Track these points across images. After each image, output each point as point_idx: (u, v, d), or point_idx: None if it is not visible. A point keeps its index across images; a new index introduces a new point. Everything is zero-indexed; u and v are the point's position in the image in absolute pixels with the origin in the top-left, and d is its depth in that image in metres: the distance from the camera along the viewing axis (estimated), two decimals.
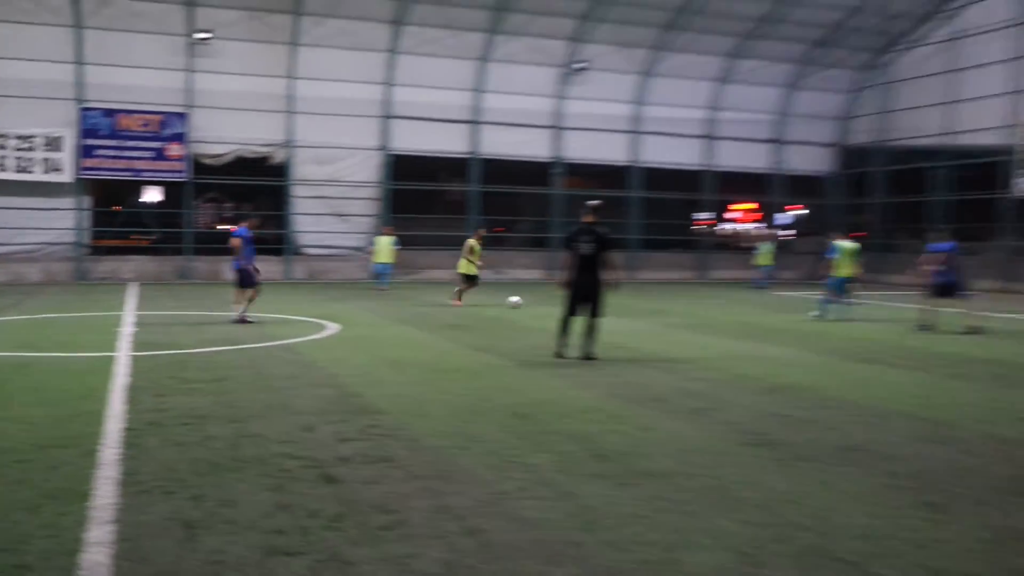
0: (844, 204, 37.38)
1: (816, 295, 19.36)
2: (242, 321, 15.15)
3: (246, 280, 15.51)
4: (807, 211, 39.41)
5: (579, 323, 11.53)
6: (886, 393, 9.31)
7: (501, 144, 32.14)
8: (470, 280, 20.50)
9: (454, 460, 6.27)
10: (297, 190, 30.04)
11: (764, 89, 35.24)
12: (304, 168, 30.06)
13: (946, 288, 15.81)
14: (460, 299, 20.08)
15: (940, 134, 32.14)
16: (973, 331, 15.17)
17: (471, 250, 20.79)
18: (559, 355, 11.45)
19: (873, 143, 35.52)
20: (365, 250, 28.55)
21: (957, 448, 6.84)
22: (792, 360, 11.83)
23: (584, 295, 11.39)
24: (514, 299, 18.89)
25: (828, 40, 33.76)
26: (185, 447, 6.51)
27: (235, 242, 15.63)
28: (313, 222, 30.25)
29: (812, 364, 11.51)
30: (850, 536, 4.75)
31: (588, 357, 11.35)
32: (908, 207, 34.17)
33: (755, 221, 44.22)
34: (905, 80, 34.23)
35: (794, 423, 7.68)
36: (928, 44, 33.11)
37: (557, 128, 32.94)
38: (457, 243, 32.62)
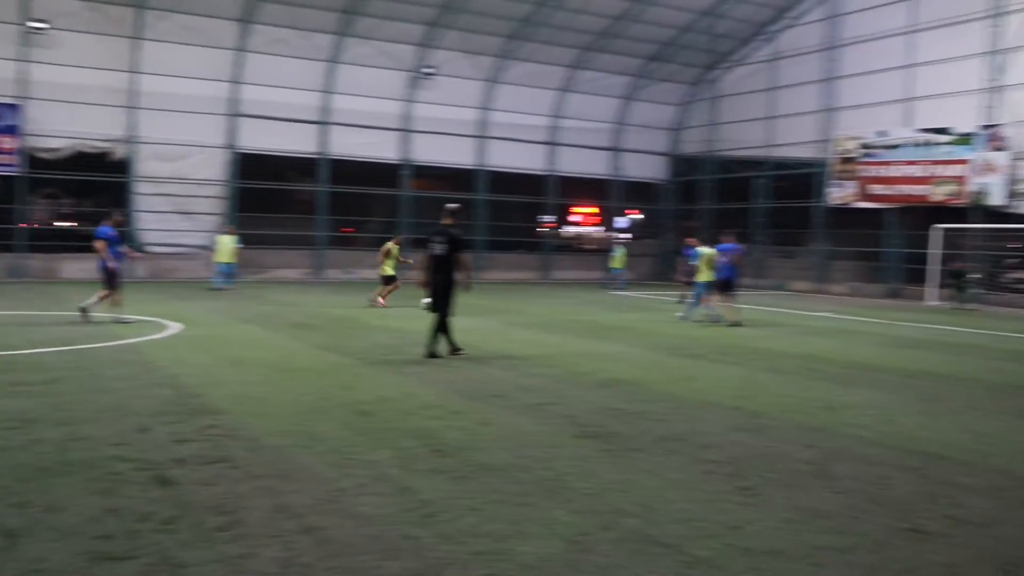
0: (676, 209, 39.26)
1: (654, 295, 20.21)
2: (84, 314, 14.61)
3: (113, 280, 14.89)
4: (642, 216, 41.03)
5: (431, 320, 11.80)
6: (708, 387, 9.92)
7: (350, 145, 31.89)
8: (390, 280, 20.63)
9: (294, 459, 6.26)
10: (140, 187, 28.72)
11: (603, 99, 36.62)
12: (147, 165, 28.78)
13: (727, 283, 17.80)
14: (384, 300, 20.16)
15: (762, 146, 34.29)
16: (735, 324, 17.19)
17: (388, 252, 20.98)
18: (452, 351, 11.76)
19: (702, 153, 37.45)
20: (208, 249, 27.65)
21: (768, 436, 7.39)
22: (625, 356, 12.35)
23: (436, 294, 11.68)
24: (427, 300, 18.66)
25: (661, 56, 35.40)
26: (9, 452, 6.21)
27: (99, 244, 14.94)
28: (157, 220, 29.03)
29: (643, 360, 12.06)
30: (671, 520, 5.09)
31: (433, 355, 11.57)
32: (734, 213, 36.12)
33: (595, 224, 45.64)
34: (730, 95, 36.33)
35: (625, 416, 8.07)
36: (751, 63, 35.29)
37: (406, 131, 33.00)
38: (306, 243, 32.34)
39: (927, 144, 27.96)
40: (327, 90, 31.12)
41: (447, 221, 11.78)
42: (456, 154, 34.19)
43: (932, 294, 26.45)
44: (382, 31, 30.65)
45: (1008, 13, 26.26)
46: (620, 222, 39.37)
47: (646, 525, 4.99)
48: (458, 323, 15.70)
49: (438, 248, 11.63)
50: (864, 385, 10.36)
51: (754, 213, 34.67)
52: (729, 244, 18.16)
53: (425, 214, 36.03)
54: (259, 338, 13.58)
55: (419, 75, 32.33)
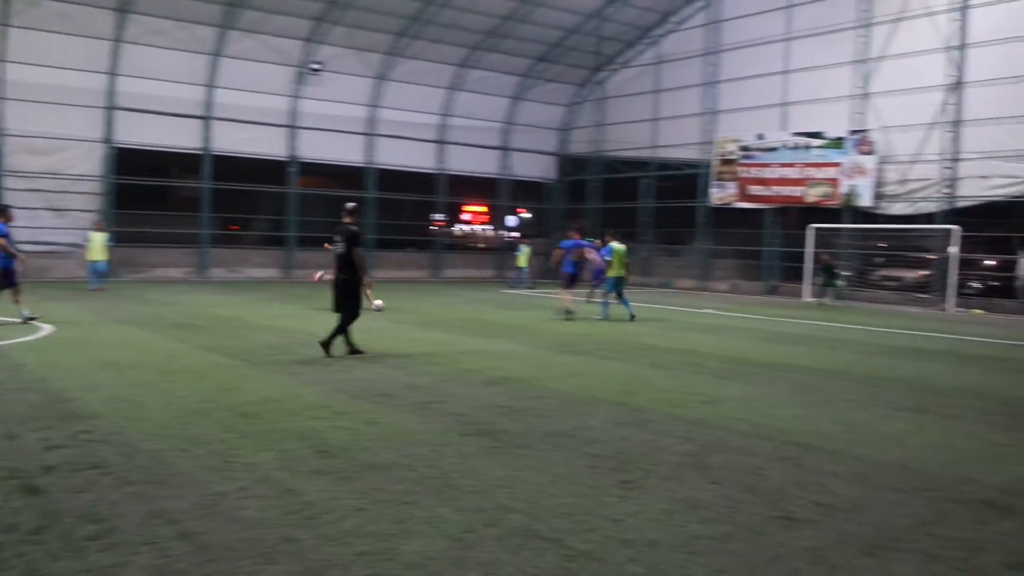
0: (564, 209, 39.80)
1: (545, 294, 20.42)
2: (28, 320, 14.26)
3: (7, 280, 14.25)
4: (531, 215, 41.45)
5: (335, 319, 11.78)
6: (594, 383, 10.09)
7: (235, 141, 31.11)
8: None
9: (172, 463, 6.08)
10: (8, 182, 27.23)
11: (492, 98, 36.83)
12: (17, 159, 27.31)
13: (573, 278, 18.63)
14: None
15: (647, 147, 35.12)
16: (568, 315, 18.24)
17: None
18: (351, 351, 11.71)
19: (589, 153, 38.09)
20: (82, 247, 26.48)
21: (651, 430, 7.57)
22: (513, 354, 12.45)
23: (340, 294, 11.62)
24: (378, 303, 18.24)
25: (549, 56, 35.83)
26: None
27: (1, 241, 14.21)
28: (27, 217, 27.55)
29: (531, 357, 12.17)
30: (554, 515, 5.16)
31: (326, 352, 11.54)
32: (621, 212, 36.89)
33: (485, 223, 45.86)
34: (617, 97, 37.09)
35: (511, 413, 8.14)
36: (636, 66, 36.09)
37: (293, 127, 32.36)
38: (190, 241, 31.36)
39: (802, 147, 29.12)
40: (210, 84, 30.26)
41: (346, 220, 11.69)
42: (345, 151, 33.80)
43: (808, 291, 27.58)
44: (268, 25, 30.03)
45: (874, 24, 27.62)
46: (510, 221, 39.66)
47: (530, 520, 5.05)
48: None
49: (338, 247, 11.58)
50: (743, 379, 10.73)
51: (640, 213, 35.45)
52: (575, 240, 19.08)
53: (313, 212, 35.50)
54: (137, 339, 13.11)
55: (306, 71, 31.81)
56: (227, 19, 29.22)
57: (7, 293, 14.46)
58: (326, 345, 11.54)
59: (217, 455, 6.33)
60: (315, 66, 31.69)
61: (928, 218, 26.08)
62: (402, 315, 18.25)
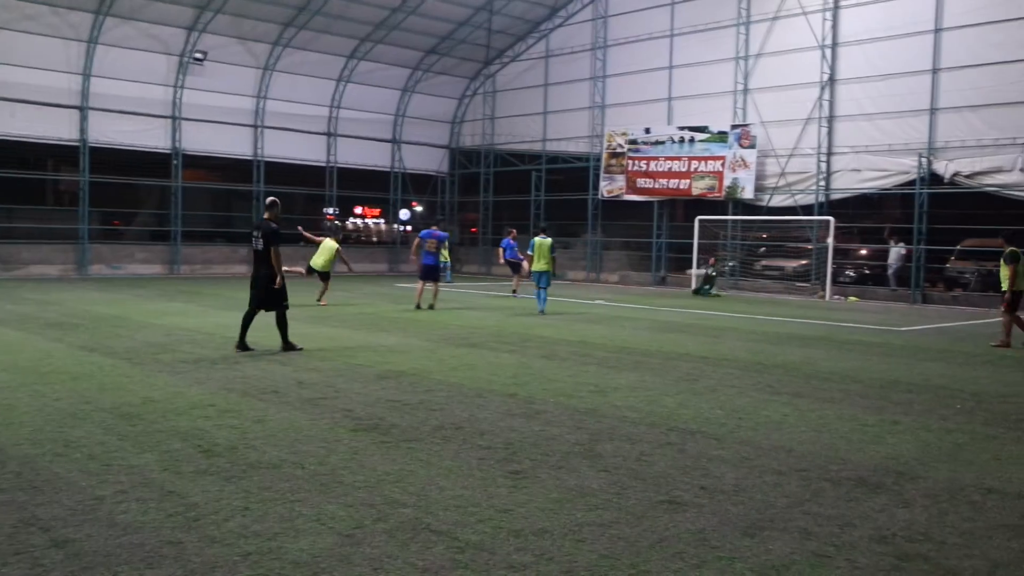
0: (457, 202, 39.84)
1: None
2: None
3: None
4: (422, 208, 41.26)
5: (259, 317, 11.90)
6: (485, 375, 10.14)
7: (115, 132, 29.92)
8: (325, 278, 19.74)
9: (47, 468, 5.82)
10: None
11: (383, 91, 36.53)
12: None
13: (429, 270, 18.92)
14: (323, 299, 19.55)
15: (538, 140, 35.41)
16: (430, 307, 18.51)
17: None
18: (240, 347, 11.65)
19: (481, 146, 38.14)
20: None
21: (541, 421, 7.66)
22: (405, 347, 12.38)
23: (256, 289, 11.68)
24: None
25: (440, 49, 35.73)
26: None
27: None
28: None
29: (423, 351, 12.13)
30: (444, 508, 5.17)
31: (286, 348, 11.76)
32: (512, 205, 37.13)
33: (377, 217, 45.42)
34: (508, 90, 37.27)
35: (403, 407, 8.10)
36: (526, 59, 36.33)
37: (176, 118, 31.29)
38: (69, 237, 29.98)
39: (687, 141, 29.87)
40: (86, 73, 28.98)
41: (266, 215, 11.71)
42: (231, 144, 32.94)
43: (694, 281, 28.33)
44: (147, 12, 28.94)
45: (753, 22, 28.54)
46: (402, 214, 39.40)
47: (420, 514, 5.04)
48: (233, 319, 15.17)
49: (257, 243, 11.58)
50: (631, 368, 10.96)
51: (532, 205, 35.73)
52: (435, 231, 19.35)
53: (199, 206, 34.49)
54: (9, 340, 12.48)
55: (189, 60, 30.80)
56: (103, 5, 27.99)
57: None
58: (287, 344, 11.76)
59: (95, 458, 6.10)
60: (198, 56, 30.75)
61: (806, 209, 27.15)
62: (292, 311, 17.83)
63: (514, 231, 26.34)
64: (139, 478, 5.64)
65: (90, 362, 10.55)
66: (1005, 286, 14.41)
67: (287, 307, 11.91)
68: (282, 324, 11.82)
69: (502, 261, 25.98)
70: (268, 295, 11.66)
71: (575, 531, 4.80)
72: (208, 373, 9.84)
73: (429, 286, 19.03)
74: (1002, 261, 14.57)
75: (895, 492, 5.72)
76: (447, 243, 29.75)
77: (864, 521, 5.11)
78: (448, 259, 29.34)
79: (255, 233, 11.65)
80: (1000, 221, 25.96)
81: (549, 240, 18.92)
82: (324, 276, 19.69)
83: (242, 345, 11.63)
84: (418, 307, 18.66)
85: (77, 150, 29.44)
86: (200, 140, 31.90)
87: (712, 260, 27.05)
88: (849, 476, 6.08)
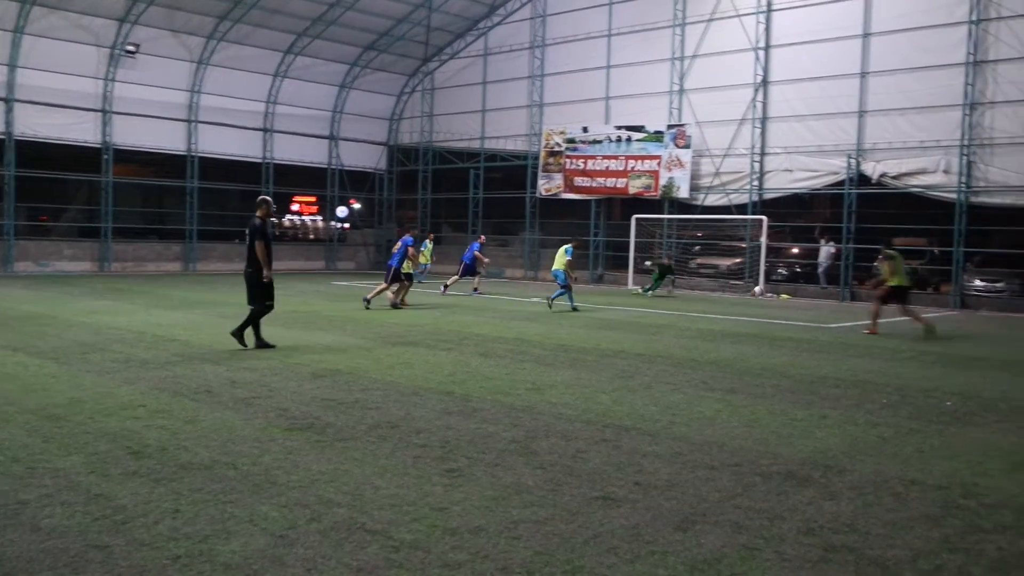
0: (395, 199, 39.66)
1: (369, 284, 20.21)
2: None
3: None
4: (360, 206, 41.01)
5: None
6: (422, 373, 10.10)
7: (42, 125, 29.13)
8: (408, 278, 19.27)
9: None
10: None
11: (320, 87, 36.20)
12: None
13: (396, 273, 18.51)
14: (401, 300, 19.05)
15: (477, 138, 35.39)
16: (396, 307, 18.41)
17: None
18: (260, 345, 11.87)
19: (419, 144, 37.99)
20: None
21: (478, 418, 7.67)
22: (342, 346, 12.27)
23: (249, 287, 11.88)
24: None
25: (378, 45, 35.50)
26: None
27: None
28: None
29: (360, 349, 12.04)
30: (379, 507, 5.14)
31: (238, 339, 11.79)
32: (451, 203, 37.07)
33: (314, 214, 45.01)
34: (446, 88, 37.19)
35: (339, 406, 8.03)
36: (465, 57, 36.30)
37: (106, 112, 30.50)
38: None
39: (624, 140, 30.15)
40: (11, 64, 28.12)
41: (257, 213, 11.79)
42: (164, 139, 32.29)
43: (632, 279, 28.64)
44: (77, 2, 28.25)
45: (688, 24, 28.93)
46: (340, 212, 39.07)
47: (354, 513, 5.01)
48: (166, 317, 14.91)
49: (248, 239, 11.70)
50: (568, 366, 11.03)
51: (471, 203, 35.73)
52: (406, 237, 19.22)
53: (131, 202, 33.70)
54: None
55: (121, 53, 30.08)
56: None
57: None
58: (238, 335, 11.75)
59: (19, 461, 5.93)
60: (130, 48, 30.08)
61: (740, 209, 27.62)
62: (227, 308, 17.60)
63: (483, 237, 26.82)
64: (65, 481, 5.51)
65: (14, 362, 10.25)
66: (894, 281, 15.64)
67: (271, 307, 11.95)
68: (252, 320, 11.80)
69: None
70: (252, 290, 11.78)
71: (510, 528, 4.82)
72: (139, 373, 9.63)
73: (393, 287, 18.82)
74: (882, 258, 15.99)
75: (823, 485, 5.86)
76: (425, 246, 29.22)
77: (793, 514, 5.22)
78: (429, 261, 28.91)
79: (247, 231, 11.76)
80: (925, 221, 26.82)
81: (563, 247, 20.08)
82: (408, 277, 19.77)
83: (259, 343, 11.84)
84: (395, 306, 18.50)
85: (2, 143, 28.55)
86: (132, 134, 31.19)
87: (648, 263, 27.33)
88: (779, 470, 6.21)
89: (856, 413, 8.39)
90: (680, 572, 4.27)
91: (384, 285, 18.77)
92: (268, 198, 12.13)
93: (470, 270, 24.12)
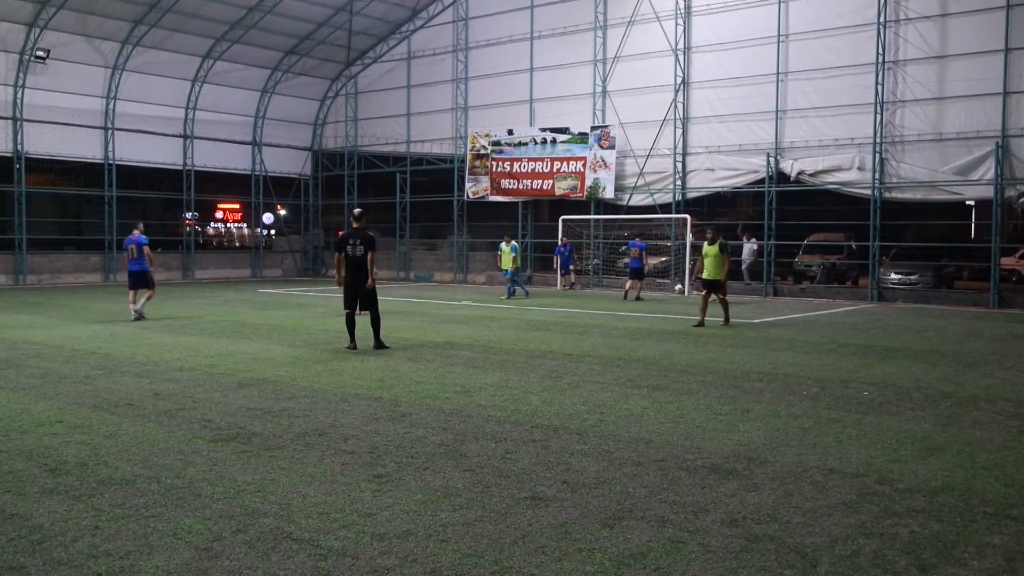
0: (321, 205, 39.25)
1: (304, 292, 19.98)
2: None
3: None
4: (285, 212, 40.51)
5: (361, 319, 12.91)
6: (351, 380, 10.03)
7: None
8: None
9: None
10: None
11: (241, 92, 35.64)
12: None
13: (140, 277, 17.29)
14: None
15: (402, 142, 35.26)
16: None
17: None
18: (350, 347, 12.77)
19: (344, 148, 37.67)
20: None
21: (406, 423, 7.65)
22: (268, 355, 12.11)
23: (355, 292, 12.77)
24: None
25: (299, 49, 35.08)
26: None
27: None
28: None
29: (287, 357, 11.89)
30: (307, 515, 5.09)
31: (378, 347, 12.72)
32: (378, 207, 36.82)
33: (238, 221, 44.25)
34: (370, 92, 36.96)
35: (265, 415, 7.93)
36: (388, 61, 36.11)
37: (17, 119, 29.51)
38: None
39: (549, 142, 30.35)
40: None
41: (356, 225, 12.78)
42: (79, 147, 31.36)
43: (559, 280, 28.85)
44: None
45: (610, 26, 29.28)
46: (266, 218, 38.51)
47: (281, 523, 4.96)
48: (87, 330, 14.52)
49: (358, 250, 12.63)
50: (497, 368, 11.07)
51: (398, 207, 35.55)
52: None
53: (46, 212, 32.63)
54: None
55: (31, 58, 29.15)
56: None
57: None
58: (379, 344, 12.77)
59: None
60: (40, 54, 29.16)
61: (664, 208, 28.05)
62: (149, 320, 17.19)
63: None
64: None
65: None
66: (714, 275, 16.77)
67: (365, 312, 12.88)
68: (378, 322, 12.92)
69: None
70: (367, 297, 12.80)
71: (439, 531, 4.83)
72: (56, 388, 9.36)
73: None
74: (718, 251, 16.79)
75: (746, 477, 6.00)
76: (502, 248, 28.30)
77: (716, 506, 5.34)
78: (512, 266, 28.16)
79: (352, 241, 12.65)
80: (841, 216, 27.60)
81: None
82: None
83: (354, 344, 12.80)
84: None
85: None
86: (45, 143, 30.25)
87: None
88: (704, 464, 6.34)
89: (778, 406, 8.60)
90: (607, 568, 4.33)
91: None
92: (363, 210, 13.33)
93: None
